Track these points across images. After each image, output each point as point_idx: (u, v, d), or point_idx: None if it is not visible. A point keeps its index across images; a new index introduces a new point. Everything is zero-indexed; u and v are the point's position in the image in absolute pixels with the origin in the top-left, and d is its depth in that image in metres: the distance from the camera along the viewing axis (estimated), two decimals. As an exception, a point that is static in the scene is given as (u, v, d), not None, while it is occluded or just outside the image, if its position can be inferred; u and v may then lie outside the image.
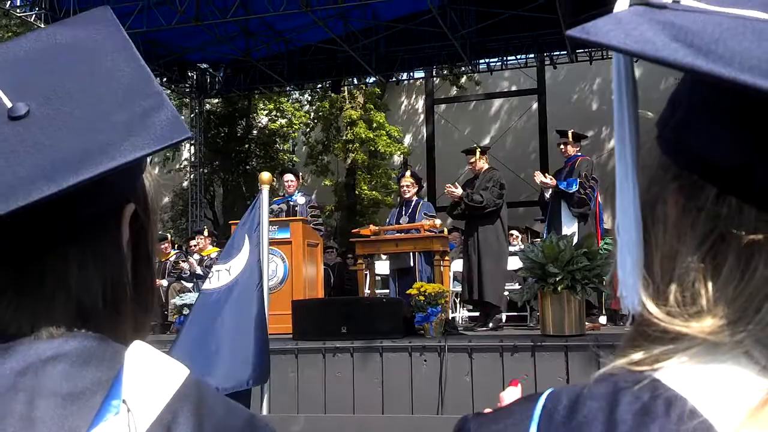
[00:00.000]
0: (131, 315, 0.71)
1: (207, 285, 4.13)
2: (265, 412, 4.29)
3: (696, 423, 0.48)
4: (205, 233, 11.22)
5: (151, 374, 0.63)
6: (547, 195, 7.66)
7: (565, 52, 14.14)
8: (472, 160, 7.98)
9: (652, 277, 0.55)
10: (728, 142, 0.50)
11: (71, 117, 0.64)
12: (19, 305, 0.65)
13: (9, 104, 0.64)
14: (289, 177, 9.24)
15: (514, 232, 10.71)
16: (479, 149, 8.12)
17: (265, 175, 4.56)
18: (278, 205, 8.98)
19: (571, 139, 7.76)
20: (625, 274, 0.56)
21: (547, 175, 7.81)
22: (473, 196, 7.61)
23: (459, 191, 7.72)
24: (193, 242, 11.05)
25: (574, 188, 7.40)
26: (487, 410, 0.60)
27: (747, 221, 0.50)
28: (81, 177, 0.59)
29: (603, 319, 7.67)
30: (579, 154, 7.77)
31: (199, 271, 10.05)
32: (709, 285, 0.51)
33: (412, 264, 7.85)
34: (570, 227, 7.30)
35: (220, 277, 4.05)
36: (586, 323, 6.37)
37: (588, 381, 0.54)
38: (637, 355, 0.54)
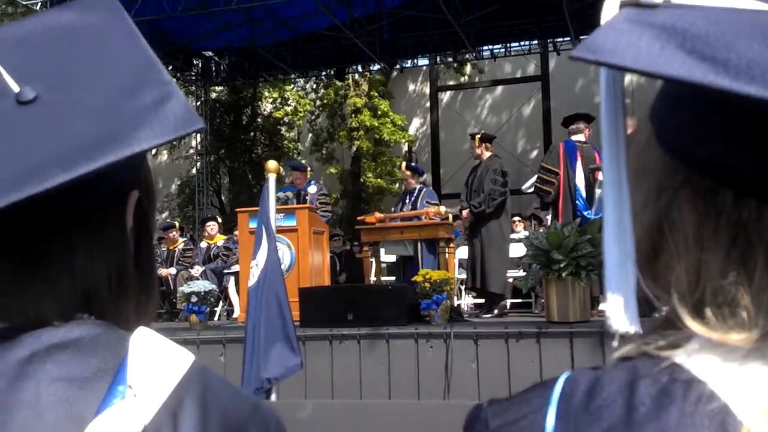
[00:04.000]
0: (134, 301, 0.71)
1: (249, 283, 4.30)
2: (273, 398, 4.34)
3: (714, 406, 0.48)
4: (219, 220, 11.26)
5: (156, 360, 0.62)
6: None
7: (569, 38, 14.06)
8: (473, 145, 8.04)
9: (678, 287, 0.53)
10: (745, 148, 0.49)
11: (81, 103, 0.63)
12: (25, 293, 0.64)
13: (17, 88, 0.63)
14: (295, 174, 9.31)
15: (516, 219, 10.72)
16: (478, 136, 8.12)
17: (272, 164, 4.58)
18: (284, 193, 9.01)
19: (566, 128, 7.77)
20: (615, 291, 0.54)
21: None
22: (474, 205, 7.68)
23: (466, 214, 7.85)
24: (210, 224, 10.92)
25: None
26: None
27: None
28: (96, 164, 0.58)
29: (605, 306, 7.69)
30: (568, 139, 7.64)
31: (197, 274, 9.88)
32: (747, 296, 0.50)
33: (412, 253, 7.89)
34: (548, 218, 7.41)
35: (254, 272, 4.20)
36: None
37: (602, 365, 0.54)
38: (656, 340, 0.53)
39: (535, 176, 7.76)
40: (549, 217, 7.90)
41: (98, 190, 0.66)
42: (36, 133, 0.61)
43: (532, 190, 7.96)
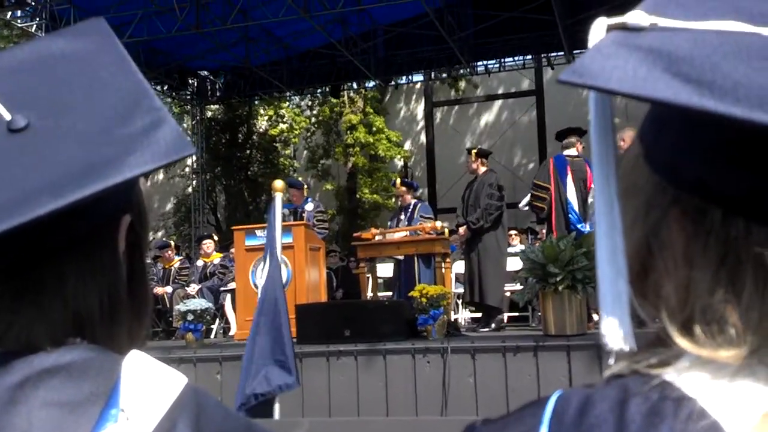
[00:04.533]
0: (127, 325, 0.71)
1: (258, 298, 4.38)
2: (276, 415, 4.33)
3: (704, 423, 0.48)
4: (215, 238, 11.24)
5: (148, 383, 0.62)
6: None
7: (563, 53, 14.16)
8: (469, 160, 8.08)
9: (667, 305, 0.53)
10: (733, 169, 0.49)
11: (72, 130, 0.63)
12: (16, 319, 0.64)
13: (8, 116, 0.63)
14: (292, 191, 9.31)
15: (513, 233, 10.74)
16: (475, 151, 8.17)
17: (278, 183, 4.59)
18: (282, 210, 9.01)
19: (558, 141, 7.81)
20: (609, 309, 0.54)
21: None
22: (472, 221, 7.70)
23: (463, 230, 7.87)
24: (206, 242, 10.88)
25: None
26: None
27: (757, 242, 0.49)
28: (86, 191, 0.58)
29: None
30: (558, 154, 7.66)
31: (193, 292, 9.88)
32: (735, 313, 0.50)
33: (401, 256, 7.93)
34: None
35: (260, 289, 4.28)
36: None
37: (595, 383, 0.54)
38: (646, 358, 0.53)
39: (530, 193, 7.82)
40: (544, 231, 7.93)
41: (90, 216, 0.66)
42: (27, 160, 0.60)
43: (527, 207, 8.01)
